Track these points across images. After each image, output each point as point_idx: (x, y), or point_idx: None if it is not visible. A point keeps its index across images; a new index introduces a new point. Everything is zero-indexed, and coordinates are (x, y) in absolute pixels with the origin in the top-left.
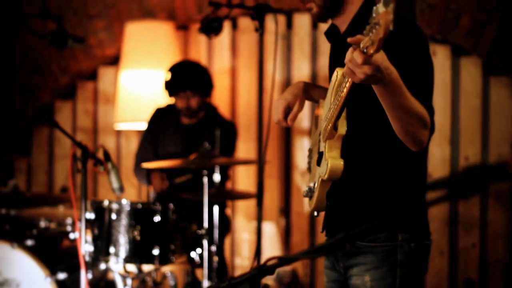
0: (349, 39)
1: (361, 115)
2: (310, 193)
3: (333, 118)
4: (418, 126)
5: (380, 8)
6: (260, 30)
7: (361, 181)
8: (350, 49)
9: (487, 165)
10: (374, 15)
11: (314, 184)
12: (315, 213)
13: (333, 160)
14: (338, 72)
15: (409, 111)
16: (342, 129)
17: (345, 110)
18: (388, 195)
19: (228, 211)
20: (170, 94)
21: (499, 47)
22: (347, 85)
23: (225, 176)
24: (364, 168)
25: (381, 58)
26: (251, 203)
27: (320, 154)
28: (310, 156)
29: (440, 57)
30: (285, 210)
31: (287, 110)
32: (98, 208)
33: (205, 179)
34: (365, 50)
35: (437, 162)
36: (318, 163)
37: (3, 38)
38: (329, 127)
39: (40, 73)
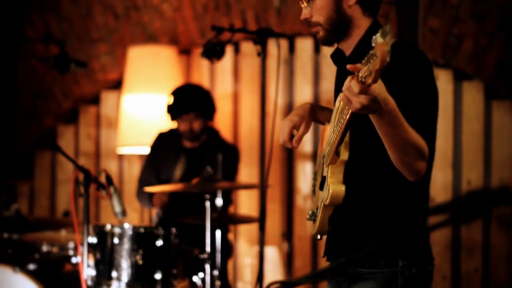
0: (348, 66)
1: (363, 141)
2: (313, 216)
3: (335, 143)
4: (414, 157)
5: (378, 38)
6: (263, 54)
7: (363, 207)
8: (349, 78)
9: (489, 189)
10: (373, 44)
11: (317, 208)
12: (318, 237)
13: (335, 186)
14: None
15: (406, 142)
16: (344, 154)
17: (348, 135)
18: (389, 221)
19: (231, 235)
20: (173, 117)
21: (501, 71)
22: (349, 111)
23: (228, 201)
24: (365, 194)
25: (379, 88)
26: (253, 228)
27: (323, 179)
28: (314, 179)
29: (442, 81)
30: (287, 234)
31: (293, 132)
32: (100, 232)
33: (207, 204)
34: (363, 80)
35: (439, 186)
36: (321, 187)
37: (5, 63)
38: (331, 152)
39: (43, 97)
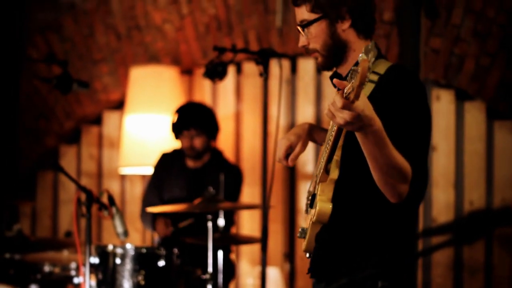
0: (334, 80)
1: (353, 162)
2: (303, 234)
3: (324, 161)
4: (397, 179)
5: (363, 55)
6: (265, 74)
7: (348, 226)
8: (335, 92)
9: (492, 209)
10: (359, 62)
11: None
12: (307, 255)
13: (322, 204)
14: None
15: (389, 163)
16: (334, 173)
17: (339, 155)
18: (372, 243)
19: (233, 256)
20: (176, 135)
21: (503, 92)
22: (336, 128)
23: (230, 221)
24: (352, 214)
25: (362, 106)
26: (256, 248)
27: (313, 196)
28: (308, 198)
29: (444, 101)
30: (290, 255)
31: (289, 150)
32: (103, 253)
33: (210, 224)
34: (347, 96)
35: (442, 206)
36: (312, 205)
37: (7, 83)
38: (321, 170)
39: (45, 117)
